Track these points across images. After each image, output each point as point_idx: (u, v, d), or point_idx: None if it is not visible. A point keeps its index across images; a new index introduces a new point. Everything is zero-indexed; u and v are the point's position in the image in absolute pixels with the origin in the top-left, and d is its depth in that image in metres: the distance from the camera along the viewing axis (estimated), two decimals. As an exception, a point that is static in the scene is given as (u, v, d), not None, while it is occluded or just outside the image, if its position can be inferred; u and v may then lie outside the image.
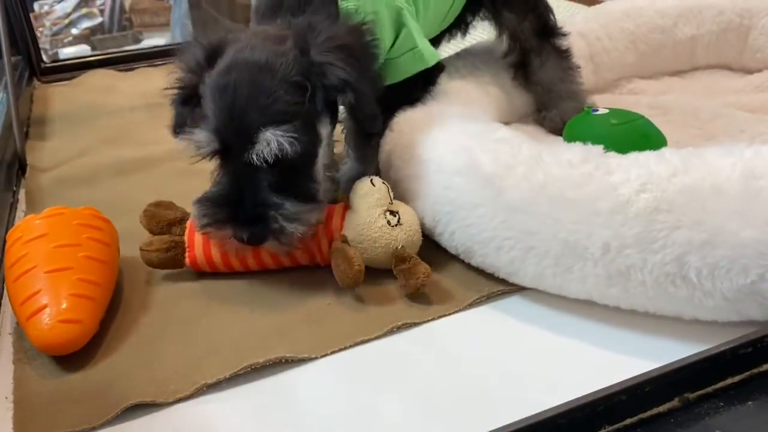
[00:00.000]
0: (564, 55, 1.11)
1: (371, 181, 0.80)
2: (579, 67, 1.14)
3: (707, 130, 1.07)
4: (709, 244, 0.64)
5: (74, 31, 3.32)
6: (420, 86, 0.94)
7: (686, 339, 0.69)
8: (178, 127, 0.81)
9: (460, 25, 1.12)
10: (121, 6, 3.56)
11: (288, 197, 0.75)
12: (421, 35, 0.90)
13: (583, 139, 0.78)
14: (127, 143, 1.24)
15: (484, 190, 0.75)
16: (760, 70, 1.29)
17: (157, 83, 1.52)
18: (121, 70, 1.62)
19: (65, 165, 1.15)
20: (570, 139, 0.96)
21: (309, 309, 0.77)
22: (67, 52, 2.95)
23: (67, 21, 3.41)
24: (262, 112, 0.73)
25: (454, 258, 0.83)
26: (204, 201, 0.76)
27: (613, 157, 0.72)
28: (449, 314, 0.75)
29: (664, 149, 0.71)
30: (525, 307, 0.76)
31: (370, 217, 0.79)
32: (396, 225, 0.79)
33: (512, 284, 0.78)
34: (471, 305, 0.76)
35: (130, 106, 1.40)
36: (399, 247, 0.79)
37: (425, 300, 0.77)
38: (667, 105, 1.15)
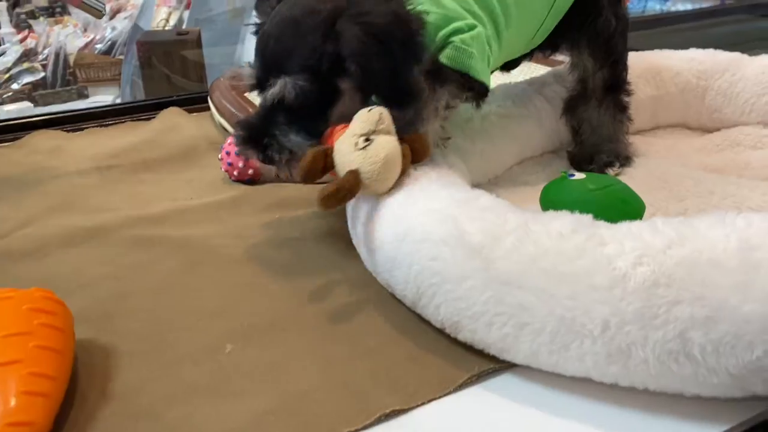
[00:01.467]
0: (621, 108, 1.18)
1: (369, 109, 0.84)
2: (631, 120, 1.20)
3: (677, 192, 1.07)
4: (712, 320, 0.61)
5: (15, 86, 3.20)
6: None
7: (688, 417, 0.66)
8: None
9: (545, 50, 1.17)
10: (65, 60, 3.47)
11: (296, 132, 0.89)
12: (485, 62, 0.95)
13: (562, 206, 0.76)
14: (77, 210, 1.15)
15: (472, 261, 0.72)
16: (718, 129, 1.32)
17: (108, 144, 1.46)
18: (68, 131, 1.53)
19: (9, 236, 1.06)
20: (547, 205, 0.94)
21: (287, 395, 0.70)
22: (8, 109, 2.84)
23: (6, 75, 3.29)
24: (280, 61, 0.88)
25: (439, 332, 0.78)
26: (242, 123, 0.94)
27: (604, 228, 0.69)
28: (438, 398, 0.70)
29: (655, 219, 0.69)
30: (518, 386, 0.72)
31: (346, 137, 0.83)
32: (360, 149, 0.81)
33: (503, 361, 0.74)
34: (461, 386, 0.72)
35: (79, 170, 1.32)
36: (354, 170, 0.80)
37: (413, 382, 0.72)
38: (634, 167, 1.16)
